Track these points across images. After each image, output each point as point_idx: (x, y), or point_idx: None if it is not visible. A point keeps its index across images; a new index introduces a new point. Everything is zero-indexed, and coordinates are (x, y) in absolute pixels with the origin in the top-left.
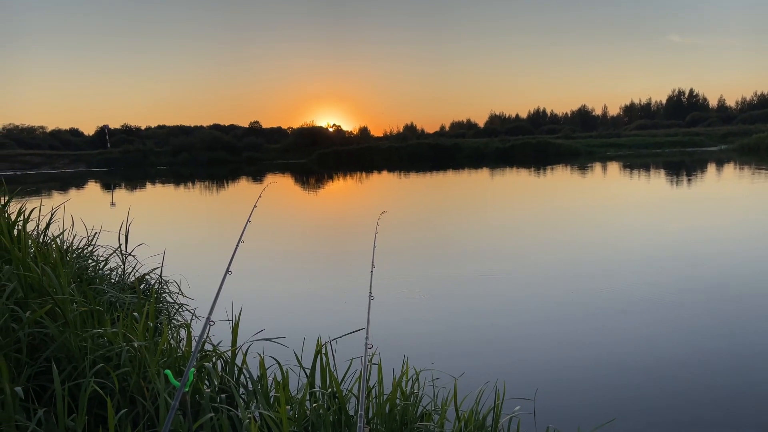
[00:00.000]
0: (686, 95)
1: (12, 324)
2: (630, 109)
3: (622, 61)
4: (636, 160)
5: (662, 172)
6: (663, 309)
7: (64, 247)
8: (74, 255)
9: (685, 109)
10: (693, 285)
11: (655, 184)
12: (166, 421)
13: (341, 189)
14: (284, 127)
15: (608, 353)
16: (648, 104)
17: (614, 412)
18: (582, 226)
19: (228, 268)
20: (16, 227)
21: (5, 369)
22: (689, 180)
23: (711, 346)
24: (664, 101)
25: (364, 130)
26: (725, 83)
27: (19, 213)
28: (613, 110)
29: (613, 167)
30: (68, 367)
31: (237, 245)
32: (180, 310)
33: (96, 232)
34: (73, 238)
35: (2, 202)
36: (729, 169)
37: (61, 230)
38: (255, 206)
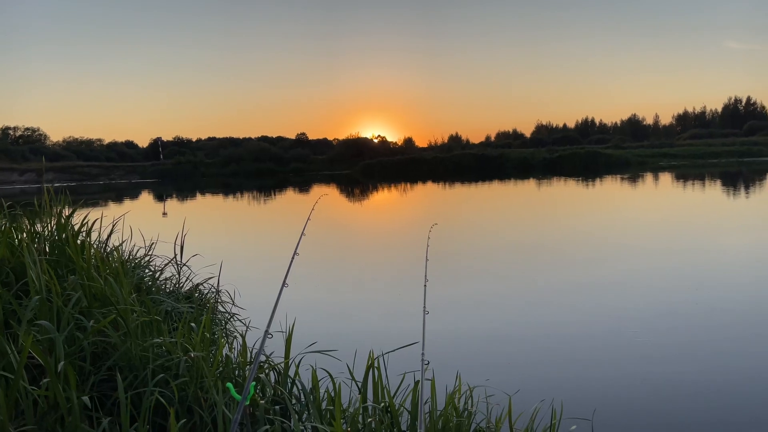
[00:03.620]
0: (743, 103)
1: (77, 333)
2: (683, 118)
3: (674, 68)
4: (690, 171)
5: (718, 183)
6: (730, 325)
7: (124, 257)
8: (132, 265)
9: (742, 117)
10: (762, 301)
11: (710, 195)
12: None
13: (388, 200)
14: (330, 138)
15: (671, 371)
16: (703, 113)
17: None
18: (639, 237)
19: (284, 281)
20: (79, 238)
21: (73, 378)
22: (747, 192)
23: None
24: (719, 110)
25: (408, 141)
26: None
27: (82, 224)
28: (665, 119)
29: (666, 178)
30: (129, 376)
31: (292, 258)
32: (232, 319)
33: (153, 243)
34: (132, 248)
35: (66, 214)
36: None
37: (121, 241)
38: (309, 219)
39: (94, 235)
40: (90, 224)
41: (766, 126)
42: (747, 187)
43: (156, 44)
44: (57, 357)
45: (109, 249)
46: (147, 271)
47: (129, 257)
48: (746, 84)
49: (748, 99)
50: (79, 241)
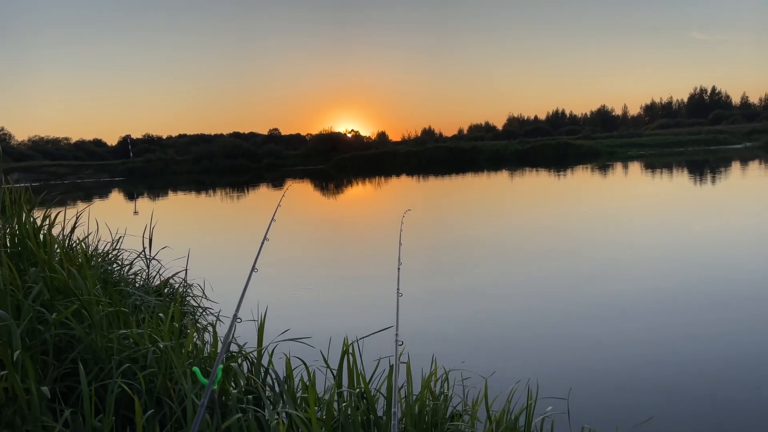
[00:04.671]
0: (708, 93)
1: (38, 326)
2: (651, 109)
3: (642, 60)
4: (658, 160)
5: (686, 171)
6: (701, 307)
7: (90, 251)
8: (99, 259)
9: (707, 106)
10: (729, 285)
11: (678, 183)
12: (196, 418)
13: (363, 192)
14: (303, 133)
15: (643, 351)
16: (669, 103)
17: (650, 410)
18: (610, 225)
19: (254, 266)
20: (41, 232)
21: (31, 370)
22: (713, 179)
23: (751, 346)
24: (685, 99)
25: (382, 135)
26: (749, 80)
27: (44, 218)
28: (634, 110)
29: (635, 167)
30: (95, 368)
31: (262, 243)
32: (205, 313)
33: (120, 236)
34: (98, 242)
35: (28, 208)
36: (755, 166)
37: (86, 234)
38: (279, 205)
39: (57, 229)
40: (53, 217)
41: (730, 115)
42: (715, 175)
43: (123, 40)
44: (14, 347)
45: (74, 243)
46: (115, 265)
47: (95, 252)
48: (711, 74)
49: (713, 89)
50: (42, 235)
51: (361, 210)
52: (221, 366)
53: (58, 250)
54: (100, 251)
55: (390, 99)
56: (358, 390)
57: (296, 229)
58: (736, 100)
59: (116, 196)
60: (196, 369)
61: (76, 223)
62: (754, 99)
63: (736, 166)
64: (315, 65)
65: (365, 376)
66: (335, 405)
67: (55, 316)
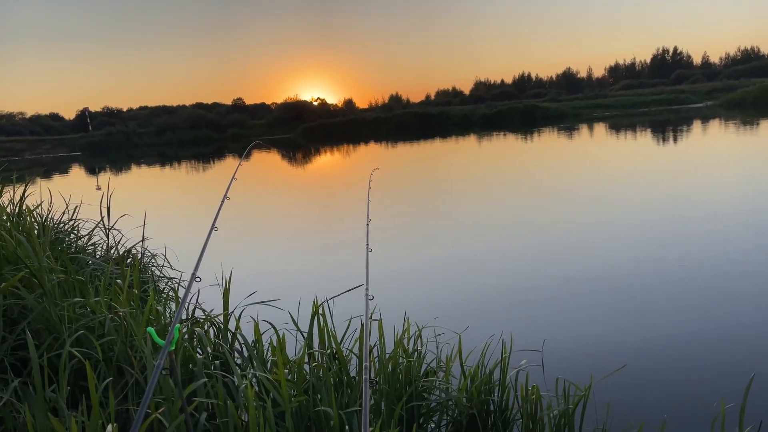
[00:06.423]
0: (670, 53)
1: None
2: (615, 70)
3: (605, 22)
4: (623, 120)
5: (649, 130)
6: (674, 262)
7: (44, 221)
8: (55, 231)
9: (669, 67)
10: (702, 245)
11: (642, 143)
12: (150, 381)
13: (330, 159)
14: (268, 102)
15: (615, 301)
16: (632, 64)
17: (623, 360)
18: (581, 183)
19: (213, 225)
20: None
21: None
22: (676, 138)
23: (725, 304)
24: (648, 60)
25: (349, 103)
26: (709, 40)
27: None
28: (598, 72)
29: (600, 128)
30: (48, 338)
31: (222, 202)
32: (170, 282)
33: (76, 206)
34: (52, 212)
35: None
36: (715, 124)
37: (39, 203)
38: (240, 164)
39: (9, 200)
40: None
41: (692, 75)
42: (675, 133)
43: (78, 9)
44: None
45: (24, 213)
46: (72, 236)
47: (50, 222)
48: (673, 34)
49: (675, 49)
50: None
51: (329, 174)
52: (178, 326)
53: (8, 222)
54: (55, 222)
55: (356, 66)
56: (329, 350)
57: (263, 192)
58: (697, 60)
59: (77, 171)
60: (150, 330)
61: (25, 191)
62: (714, 59)
63: (697, 124)
64: (279, 33)
65: (336, 336)
66: (306, 367)
67: (3, 285)
